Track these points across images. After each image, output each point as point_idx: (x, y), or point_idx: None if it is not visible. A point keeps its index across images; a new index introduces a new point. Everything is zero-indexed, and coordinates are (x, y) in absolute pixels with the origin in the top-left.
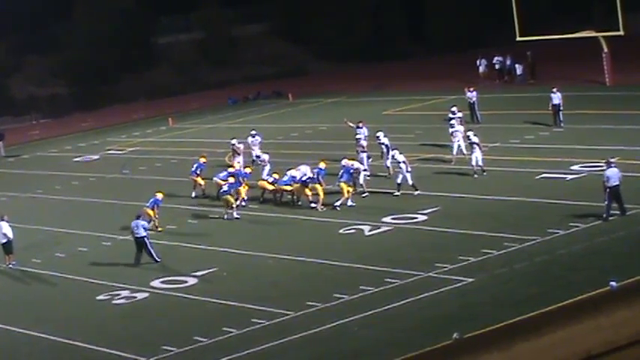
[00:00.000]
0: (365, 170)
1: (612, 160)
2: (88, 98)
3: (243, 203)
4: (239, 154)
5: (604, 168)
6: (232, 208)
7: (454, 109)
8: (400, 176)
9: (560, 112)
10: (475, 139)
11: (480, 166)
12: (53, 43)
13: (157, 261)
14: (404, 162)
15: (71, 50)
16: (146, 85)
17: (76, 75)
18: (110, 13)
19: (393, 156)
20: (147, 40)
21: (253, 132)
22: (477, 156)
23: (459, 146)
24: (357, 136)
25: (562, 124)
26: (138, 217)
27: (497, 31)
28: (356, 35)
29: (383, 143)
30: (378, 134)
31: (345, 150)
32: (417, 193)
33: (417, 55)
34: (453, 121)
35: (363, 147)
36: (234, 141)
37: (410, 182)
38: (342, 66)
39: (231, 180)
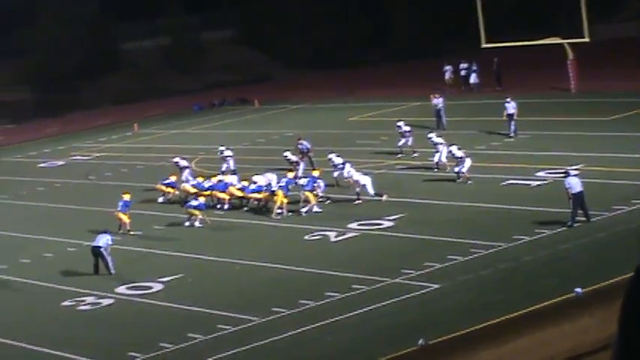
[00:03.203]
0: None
1: (571, 169)
2: (53, 104)
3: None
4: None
5: (564, 177)
6: (197, 218)
7: (400, 123)
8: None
9: (513, 122)
10: (460, 154)
11: (463, 173)
12: (17, 48)
13: (111, 273)
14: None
15: (35, 56)
16: (111, 91)
17: (40, 81)
18: (75, 19)
19: (349, 172)
20: (112, 46)
21: (222, 147)
22: (442, 153)
23: (440, 155)
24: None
25: (514, 134)
26: (105, 232)
27: (462, 38)
28: (320, 42)
29: (336, 164)
30: (330, 156)
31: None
32: (384, 198)
33: (381, 62)
34: (431, 135)
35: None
36: (221, 148)
37: (372, 192)
38: (307, 72)
39: (202, 200)
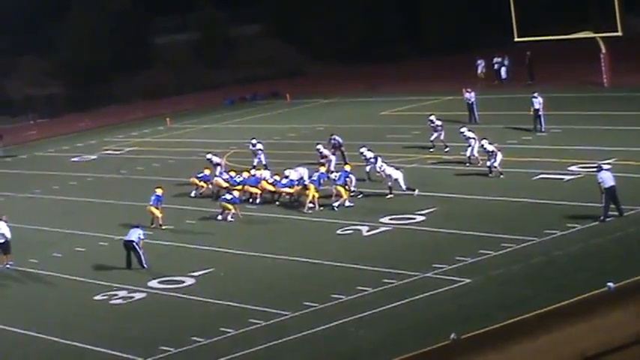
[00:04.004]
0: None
1: (604, 163)
2: (85, 98)
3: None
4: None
5: (595, 172)
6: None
7: (432, 117)
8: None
9: (541, 117)
10: (491, 148)
11: (495, 167)
12: (49, 43)
13: (144, 267)
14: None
15: (67, 51)
16: (143, 85)
17: (72, 75)
18: (106, 14)
19: (381, 167)
20: (143, 41)
21: (254, 140)
22: (474, 147)
23: (472, 150)
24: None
25: (543, 129)
26: (136, 226)
27: (496, 32)
28: (352, 36)
29: (368, 158)
30: (361, 150)
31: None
32: (416, 193)
33: (414, 56)
34: (463, 129)
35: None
36: (253, 141)
37: (404, 186)
38: (338, 67)
39: (236, 194)
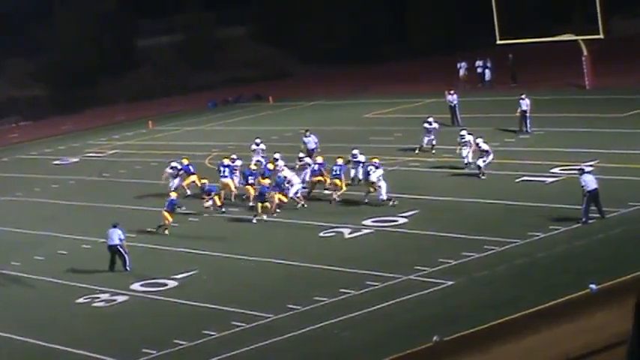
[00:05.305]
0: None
1: (586, 165)
2: (68, 101)
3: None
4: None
5: (578, 175)
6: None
7: (430, 119)
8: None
9: (528, 118)
10: (486, 147)
11: (469, 162)
12: (34, 45)
13: (126, 270)
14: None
15: (52, 53)
16: (127, 87)
17: (56, 78)
18: (91, 16)
19: (368, 172)
20: (128, 43)
21: (258, 140)
22: (469, 152)
23: (468, 155)
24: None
25: (529, 131)
26: (115, 226)
27: (479, 35)
28: (338, 38)
29: (359, 161)
30: (354, 152)
31: (326, 153)
32: (392, 203)
33: (400, 58)
34: (463, 132)
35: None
36: (257, 140)
37: (384, 197)
38: (324, 69)
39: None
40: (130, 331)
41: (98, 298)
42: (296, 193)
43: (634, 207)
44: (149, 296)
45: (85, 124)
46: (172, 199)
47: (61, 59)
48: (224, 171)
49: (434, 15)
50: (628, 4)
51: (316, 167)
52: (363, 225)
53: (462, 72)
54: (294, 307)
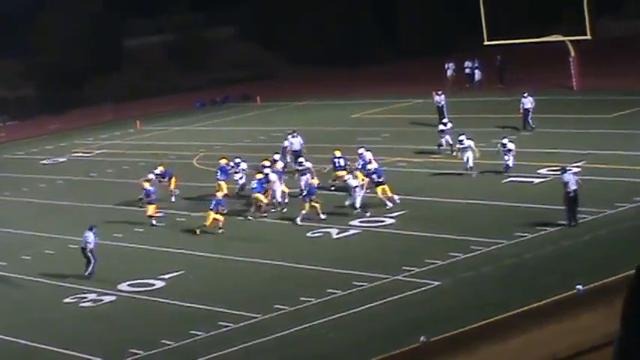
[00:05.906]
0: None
1: (572, 166)
2: (56, 101)
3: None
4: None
5: (559, 174)
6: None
7: (445, 120)
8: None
9: (530, 117)
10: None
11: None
12: (22, 45)
13: (85, 275)
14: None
15: (39, 53)
16: (115, 87)
17: (44, 77)
18: (79, 16)
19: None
20: (116, 43)
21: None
22: (469, 157)
23: (468, 159)
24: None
25: (531, 128)
26: (91, 229)
27: (468, 36)
28: (326, 39)
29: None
30: (360, 151)
31: (312, 153)
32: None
33: (390, 59)
34: (462, 137)
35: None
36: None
37: (358, 205)
38: (312, 70)
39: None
40: (118, 331)
41: (86, 298)
42: (276, 196)
43: (621, 208)
44: (136, 296)
45: (72, 124)
46: (218, 199)
47: (49, 59)
48: (227, 171)
49: (423, 16)
50: (616, 5)
51: (342, 162)
52: (351, 225)
53: (449, 73)
54: (282, 307)
